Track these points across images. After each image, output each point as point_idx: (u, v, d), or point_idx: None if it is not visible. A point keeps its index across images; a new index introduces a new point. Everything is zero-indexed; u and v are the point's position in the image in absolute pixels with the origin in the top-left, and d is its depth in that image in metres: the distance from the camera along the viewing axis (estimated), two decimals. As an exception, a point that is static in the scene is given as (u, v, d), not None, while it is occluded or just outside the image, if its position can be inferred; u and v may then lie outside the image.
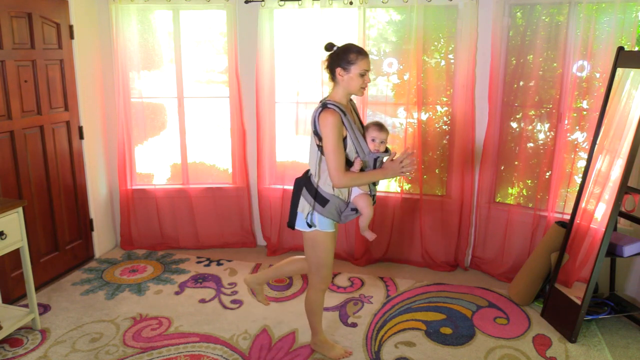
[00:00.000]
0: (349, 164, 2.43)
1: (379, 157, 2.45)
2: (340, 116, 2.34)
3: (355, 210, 2.51)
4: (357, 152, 2.42)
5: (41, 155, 3.56)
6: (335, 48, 2.40)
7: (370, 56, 3.77)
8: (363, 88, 2.40)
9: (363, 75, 2.36)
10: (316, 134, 2.40)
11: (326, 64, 2.43)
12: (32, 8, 3.40)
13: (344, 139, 2.37)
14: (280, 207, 4.15)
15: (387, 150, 2.49)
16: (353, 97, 2.56)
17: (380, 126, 2.47)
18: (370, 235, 2.59)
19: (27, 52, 3.39)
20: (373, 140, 2.45)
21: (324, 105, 2.37)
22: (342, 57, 2.36)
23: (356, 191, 2.50)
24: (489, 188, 3.78)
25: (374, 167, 2.45)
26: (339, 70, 2.37)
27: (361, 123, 2.59)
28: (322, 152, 2.41)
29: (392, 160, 2.45)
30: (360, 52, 2.37)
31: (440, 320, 3.17)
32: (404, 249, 4.03)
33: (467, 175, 3.78)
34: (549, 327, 3.11)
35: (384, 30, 3.96)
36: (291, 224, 2.57)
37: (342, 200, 2.48)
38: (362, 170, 2.45)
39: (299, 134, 4.00)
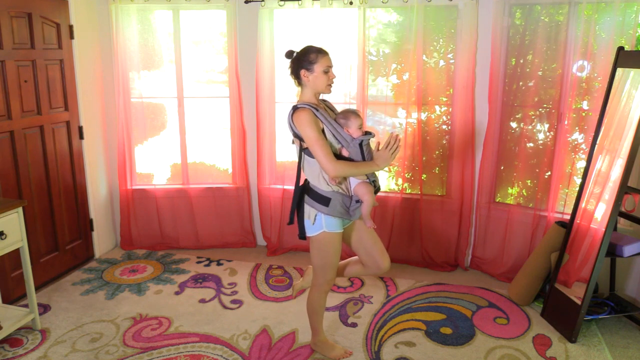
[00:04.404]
0: (341, 158, 2.44)
1: (363, 140, 2.43)
2: (312, 111, 2.38)
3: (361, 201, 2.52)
4: (339, 143, 2.43)
5: (41, 155, 3.56)
6: (295, 54, 2.45)
7: (369, 57, 3.84)
8: (329, 85, 2.45)
9: (327, 72, 2.42)
10: (296, 136, 2.43)
11: (290, 70, 2.48)
12: (32, 8, 3.40)
13: (322, 132, 2.40)
14: (280, 207, 4.16)
15: (368, 133, 2.48)
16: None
17: (356, 113, 2.47)
18: (370, 224, 2.56)
19: (27, 52, 3.39)
20: (360, 128, 2.45)
21: (295, 108, 2.42)
22: (303, 59, 2.41)
23: (354, 181, 2.49)
24: (489, 188, 3.78)
25: (362, 152, 2.44)
26: (303, 72, 2.42)
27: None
28: (306, 153, 2.44)
29: (378, 150, 2.45)
30: (320, 51, 2.42)
31: (440, 320, 3.17)
32: (404, 249, 4.03)
33: (467, 175, 3.78)
34: (549, 327, 3.11)
35: (384, 30, 3.96)
36: (302, 236, 2.55)
37: (344, 194, 2.47)
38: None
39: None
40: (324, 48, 2.46)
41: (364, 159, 2.45)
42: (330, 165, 2.35)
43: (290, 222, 2.55)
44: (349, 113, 2.47)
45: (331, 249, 2.52)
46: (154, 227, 4.31)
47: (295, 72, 2.45)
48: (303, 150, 2.46)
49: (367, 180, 2.50)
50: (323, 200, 2.44)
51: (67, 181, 3.82)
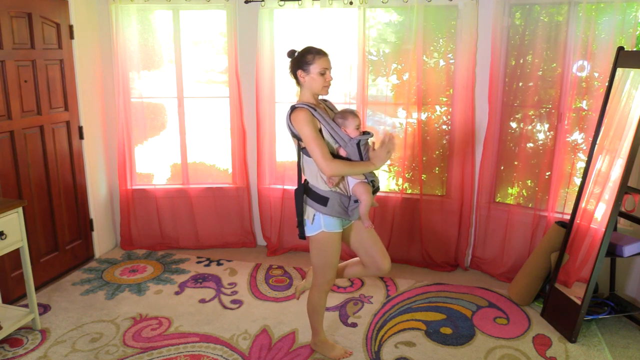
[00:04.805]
0: (338, 158, 2.44)
1: (360, 140, 2.43)
2: (310, 111, 2.39)
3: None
4: (337, 143, 2.43)
5: (41, 155, 3.56)
6: (296, 54, 2.46)
7: (369, 57, 3.84)
8: (326, 87, 2.45)
9: (323, 74, 2.42)
10: (294, 136, 2.44)
11: (289, 69, 2.49)
12: (32, 8, 3.40)
13: (320, 132, 2.40)
14: (280, 207, 4.16)
15: (366, 133, 2.48)
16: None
17: (354, 113, 2.48)
18: (368, 224, 2.54)
19: (27, 52, 3.39)
20: (357, 128, 2.46)
21: (293, 108, 2.43)
22: (301, 60, 2.43)
23: (353, 181, 2.48)
24: (489, 188, 3.78)
25: (359, 152, 2.44)
26: (299, 72, 2.43)
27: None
28: (304, 153, 2.45)
29: (374, 149, 2.45)
30: (318, 52, 2.43)
31: (440, 320, 3.17)
32: (404, 249, 4.03)
33: (467, 175, 3.78)
34: (549, 327, 3.11)
35: (384, 30, 3.96)
36: (302, 236, 2.55)
37: (342, 194, 2.47)
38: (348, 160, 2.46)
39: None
40: (324, 49, 2.46)
41: (361, 158, 2.45)
42: (326, 164, 2.35)
43: (299, 224, 2.54)
44: (347, 113, 2.48)
45: (330, 249, 2.52)
46: (154, 227, 4.31)
47: (294, 72, 2.47)
48: (301, 150, 2.46)
49: (365, 180, 2.50)
50: (321, 200, 2.44)
51: (67, 181, 3.82)
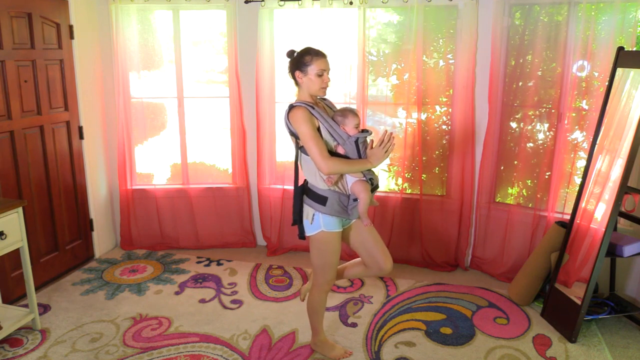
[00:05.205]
0: (337, 156, 2.44)
1: (358, 138, 2.43)
2: (308, 109, 2.39)
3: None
4: (335, 141, 2.44)
5: (41, 155, 3.56)
6: (295, 54, 2.47)
7: (370, 57, 3.84)
8: (323, 88, 2.46)
9: (320, 75, 2.42)
10: (292, 134, 2.45)
11: (288, 70, 2.50)
12: (32, 8, 3.40)
13: (318, 130, 2.41)
14: (280, 207, 4.16)
15: (365, 131, 2.48)
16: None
17: (354, 112, 2.49)
18: (367, 222, 2.55)
19: (27, 52, 3.39)
20: (356, 127, 2.46)
21: (291, 106, 2.44)
22: (299, 61, 2.43)
23: (351, 179, 2.49)
24: (489, 188, 3.78)
25: (358, 150, 2.44)
26: (297, 73, 2.45)
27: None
28: (302, 151, 2.45)
29: (372, 147, 2.46)
30: (317, 54, 2.43)
31: (440, 320, 3.17)
32: (404, 249, 4.03)
33: (467, 175, 3.78)
34: (549, 327, 3.11)
35: (384, 30, 3.96)
36: (301, 236, 2.56)
37: (340, 193, 2.47)
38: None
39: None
40: (322, 51, 2.46)
41: (360, 157, 2.45)
42: (323, 162, 2.35)
43: (294, 222, 2.55)
44: (346, 111, 2.48)
45: (330, 249, 2.52)
46: (154, 227, 4.31)
47: (292, 72, 2.47)
48: (299, 149, 2.47)
49: (364, 179, 2.50)
50: (320, 199, 2.44)
51: (67, 181, 3.82)
